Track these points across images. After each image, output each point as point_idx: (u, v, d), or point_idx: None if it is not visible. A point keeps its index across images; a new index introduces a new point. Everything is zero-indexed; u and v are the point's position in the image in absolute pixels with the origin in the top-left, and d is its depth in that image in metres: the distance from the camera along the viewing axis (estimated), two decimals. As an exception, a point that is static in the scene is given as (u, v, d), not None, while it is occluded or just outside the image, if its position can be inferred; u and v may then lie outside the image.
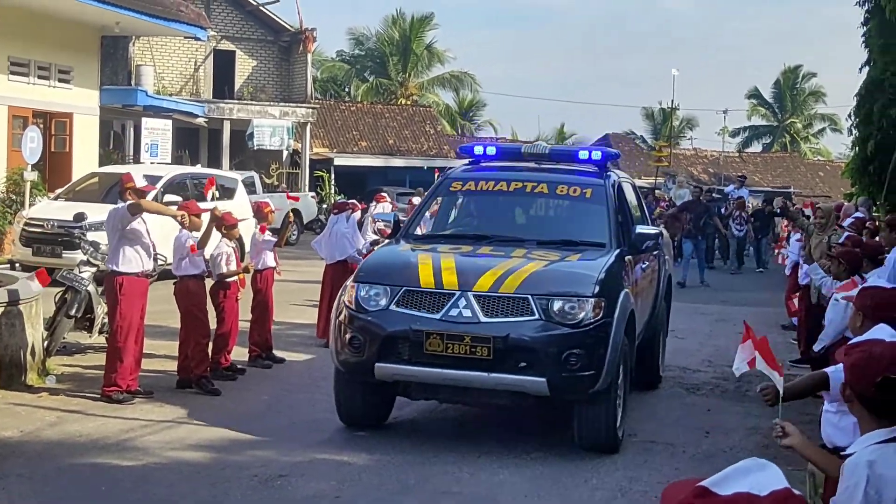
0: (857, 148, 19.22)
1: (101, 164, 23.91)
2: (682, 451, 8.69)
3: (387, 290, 8.30)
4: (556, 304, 8.04)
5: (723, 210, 28.36)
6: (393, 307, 8.24)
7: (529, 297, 8.03)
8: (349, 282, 8.72)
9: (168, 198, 17.75)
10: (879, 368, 3.45)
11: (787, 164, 58.02)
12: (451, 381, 8.13)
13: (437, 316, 8.06)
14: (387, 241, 10.40)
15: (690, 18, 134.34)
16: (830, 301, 9.24)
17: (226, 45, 36.39)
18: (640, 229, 9.74)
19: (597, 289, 8.16)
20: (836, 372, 4.75)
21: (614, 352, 8.10)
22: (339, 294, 8.92)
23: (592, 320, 8.05)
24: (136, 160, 26.66)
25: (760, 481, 2.84)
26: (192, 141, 33.92)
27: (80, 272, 10.99)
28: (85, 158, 24.35)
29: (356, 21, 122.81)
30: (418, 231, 10.19)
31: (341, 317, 8.49)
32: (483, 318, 8.00)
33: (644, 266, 10.13)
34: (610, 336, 8.10)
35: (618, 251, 9.03)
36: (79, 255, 11.80)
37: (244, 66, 36.88)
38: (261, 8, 36.51)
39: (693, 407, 10.45)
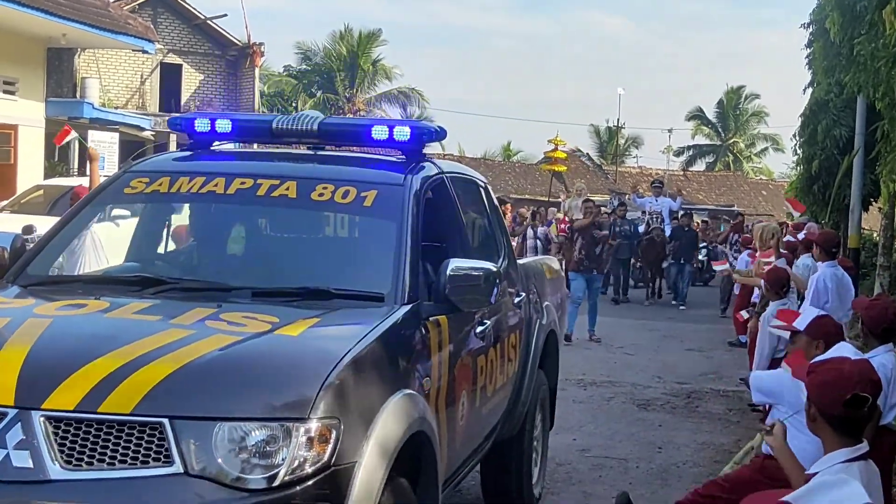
0: (801, 167, 19.59)
1: (45, 177, 23.72)
2: (635, 467, 8.75)
3: None
4: (223, 439, 3.71)
5: (641, 230, 23.01)
6: None
7: (165, 421, 3.71)
8: None
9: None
10: (849, 386, 3.52)
11: (731, 182, 58.86)
12: None
13: None
14: None
15: (630, 40, 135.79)
16: (761, 328, 9.50)
17: (172, 59, 36.13)
18: (456, 264, 5.08)
19: (324, 399, 3.83)
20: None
21: None
22: None
23: (309, 470, 3.75)
24: (82, 173, 26.39)
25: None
26: (138, 154, 33.67)
27: (28, 286, 10.86)
28: (30, 171, 24.09)
29: (303, 36, 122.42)
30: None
31: None
32: (57, 472, 3.66)
33: (480, 330, 5.73)
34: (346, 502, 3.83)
35: (406, 309, 4.78)
36: (27, 269, 11.66)
37: (191, 80, 36.66)
38: (208, 22, 36.36)
39: (644, 422, 10.52)
